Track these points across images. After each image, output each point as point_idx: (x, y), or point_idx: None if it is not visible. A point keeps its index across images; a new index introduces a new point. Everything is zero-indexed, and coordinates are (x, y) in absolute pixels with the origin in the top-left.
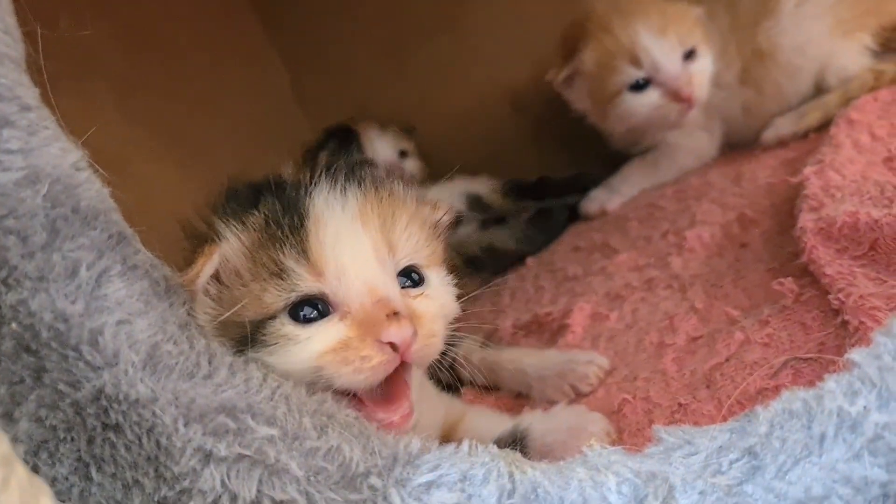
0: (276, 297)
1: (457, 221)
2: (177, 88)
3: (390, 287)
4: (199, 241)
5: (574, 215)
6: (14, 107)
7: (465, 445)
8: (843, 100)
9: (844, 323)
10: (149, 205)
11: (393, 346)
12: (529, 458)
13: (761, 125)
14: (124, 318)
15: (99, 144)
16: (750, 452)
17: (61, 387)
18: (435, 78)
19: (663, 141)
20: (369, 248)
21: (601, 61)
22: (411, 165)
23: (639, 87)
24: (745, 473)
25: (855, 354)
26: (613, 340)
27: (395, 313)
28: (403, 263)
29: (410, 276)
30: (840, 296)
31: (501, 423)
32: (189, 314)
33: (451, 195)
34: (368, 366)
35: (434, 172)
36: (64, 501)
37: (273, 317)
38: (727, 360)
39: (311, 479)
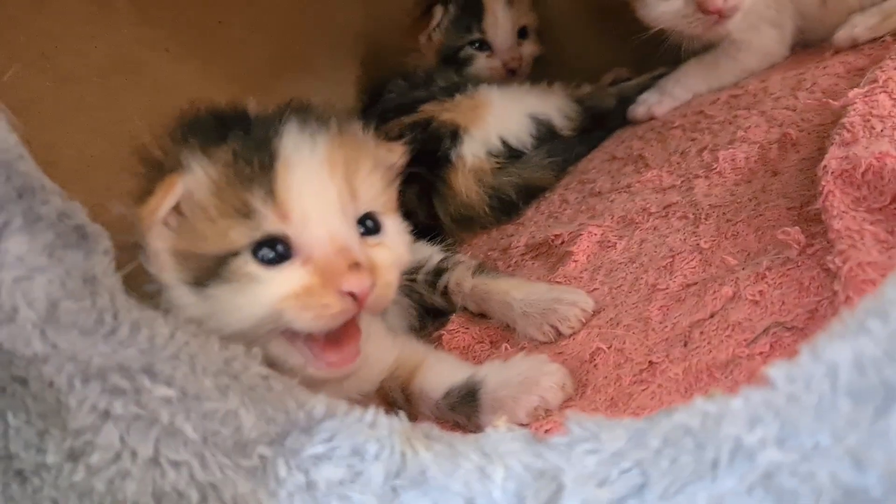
0: (240, 234)
1: (517, 154)
2: None
3: (352, 236)
4: (156, 168)
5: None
6: None
7: (369, 414)
8: None
9: (836, 293)
10: (167, 107)
11: (352, 295)
12: (481, 412)
13: (840, 21)
14: (23, 274)
15: (112, 47)
16: (640, 465)
17: None
18: None
19: (727, 38)
20: (335, 195)
21: None
22: (528, 50)
23: None
24: (629, 489)
25: (773, 370)
26: (611, 275)
27: (357, 264)
28: (363, 210)
29: (366, 224)
30: (838, 260)
31: (460, 372)
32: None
33: (514, 117)
34: (328, 313)
35: None
36: None
37: (236, 253)
38: (711, 315)
39: (208, 440)
